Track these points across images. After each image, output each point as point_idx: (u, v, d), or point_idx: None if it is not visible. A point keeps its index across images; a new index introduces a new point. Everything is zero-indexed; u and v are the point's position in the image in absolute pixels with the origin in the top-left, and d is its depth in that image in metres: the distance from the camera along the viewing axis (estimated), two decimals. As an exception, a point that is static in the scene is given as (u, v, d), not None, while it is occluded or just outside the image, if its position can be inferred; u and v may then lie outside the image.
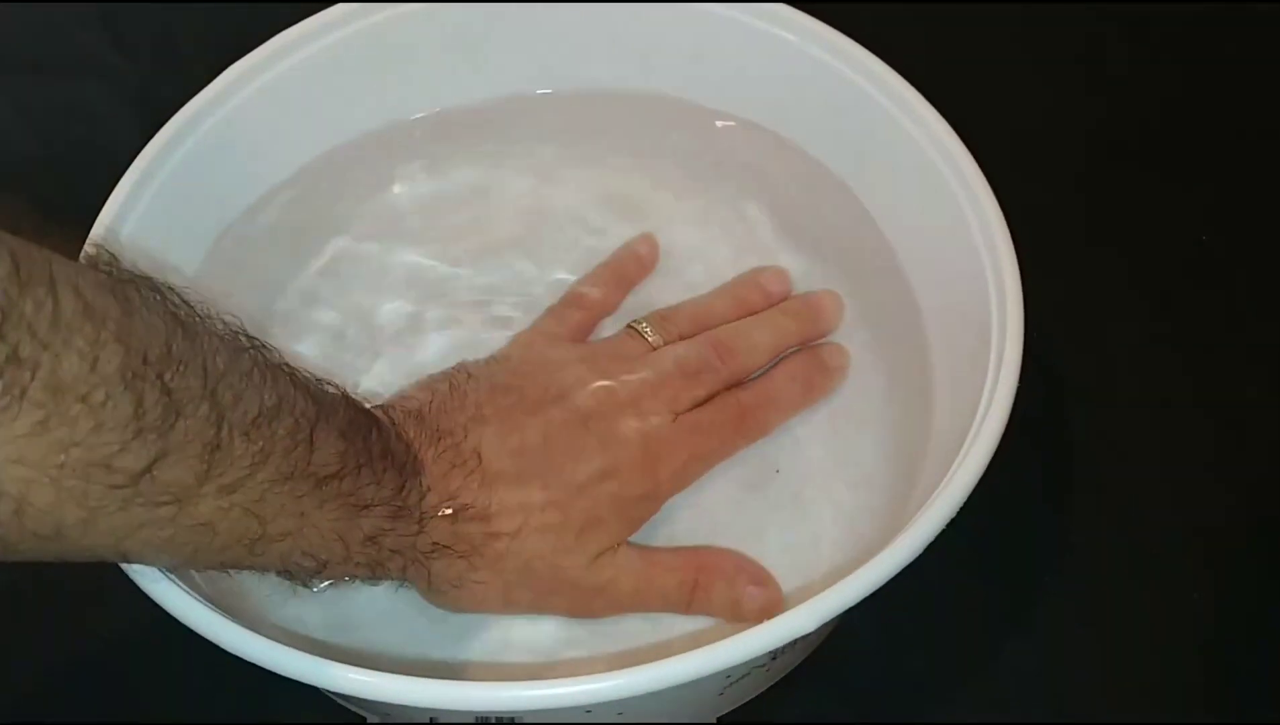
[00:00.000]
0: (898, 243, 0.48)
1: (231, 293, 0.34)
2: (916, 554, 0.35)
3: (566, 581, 0.40)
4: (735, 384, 0.46)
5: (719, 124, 0.52)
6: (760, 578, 0.42)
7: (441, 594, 0.40)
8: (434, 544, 0.37)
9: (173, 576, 0.35)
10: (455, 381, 0.43)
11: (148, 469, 0.28)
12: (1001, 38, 0.62)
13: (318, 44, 0.49)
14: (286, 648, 0.34)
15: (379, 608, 0.42)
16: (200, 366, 0.30)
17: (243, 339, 0.33)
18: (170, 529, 0.30)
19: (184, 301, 0.31)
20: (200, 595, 0.35)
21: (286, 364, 0.34)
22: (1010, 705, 0.45)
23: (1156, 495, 0.49)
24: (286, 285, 0.50)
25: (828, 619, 0.34)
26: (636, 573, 0.41)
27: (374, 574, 0.37)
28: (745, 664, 0.34)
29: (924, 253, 0.47)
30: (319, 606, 0.42)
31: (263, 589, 0.41)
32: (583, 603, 0.41)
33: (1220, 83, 0.60)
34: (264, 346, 0.33)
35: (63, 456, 0.26)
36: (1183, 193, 0.57)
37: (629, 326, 0.47)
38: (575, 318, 0.48)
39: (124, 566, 0.35)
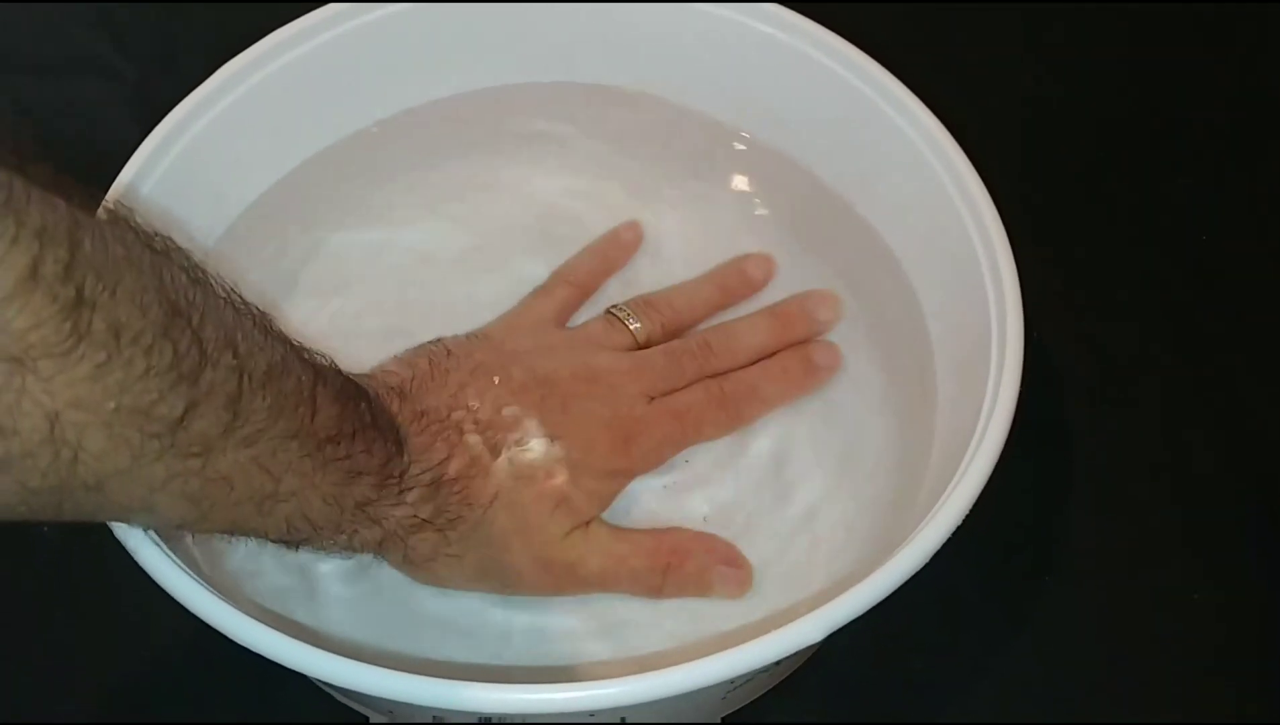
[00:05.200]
0: (895, 242, 0.48)
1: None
2: (924, 562, 0.35)
3: (535, 556, 0.41)
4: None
5: (714, 124, 0.52)
6: (732, 558, 0.43)
7: (415, 567, 0.41)
8: (413, 516, 0.38)
9: (183, 565, 0.35)
10: (434, 358, 0.43)
11: (182, 418, 0.28)
12: (1000, 36, 0.62)
13: (315, 40, 0.49)
14: (295, 640, 0.34)
15: (385, 604, 0.42)
16: (217, 319, 0.30)
17: (239, 301, 0.33)
18: (196, 482, 0.30)
19: (190, 260, 0.32)
20: (210, 585, 0.36)
21: (279, 328, 0.34)
22: (1010, 705, 0.45)
23: (1157, 494, 0.49)
24: (286, 280, 0.50)
25: (836, 628, 0.34)
26: (607, 551, 0.42)
27: (352, 544, 0.37)
28: (752, 671, 0.34)
29: (922, 252, 0.47)
30: (322, 601, 0.42)
31: (265, 584, 0.41)
32: (552, 579, 0.42)
33: (1221, 82, 0.60)
34: (259, 310, 0.34)
35: (114, 402, 0.27)
36: (1183, 192, 0.57)
37: (610, 312, 0.47)
38: (559, 301, 0.48)
39: (137, 556, 0.35)
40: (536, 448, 0.41)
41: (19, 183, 0.25)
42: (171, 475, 0.29)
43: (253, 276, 0.49)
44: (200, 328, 0.29)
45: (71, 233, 0.25)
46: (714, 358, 0.46)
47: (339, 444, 0.34)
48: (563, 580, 0.42)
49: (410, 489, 0.37)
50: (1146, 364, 0.52)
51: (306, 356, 0.35)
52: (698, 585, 0.42)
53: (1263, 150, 0.58)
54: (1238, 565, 0.47)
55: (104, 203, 0.31)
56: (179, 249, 0.31)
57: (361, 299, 0.50)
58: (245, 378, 0.30)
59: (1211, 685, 0.45)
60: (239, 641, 0.35)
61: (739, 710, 0.43)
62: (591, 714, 0.34)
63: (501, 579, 0.41)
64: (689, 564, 0.42)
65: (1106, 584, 0.47)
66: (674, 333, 0.47)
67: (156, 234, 0.31)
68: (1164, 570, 0.47)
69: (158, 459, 0.29)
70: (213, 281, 0.32)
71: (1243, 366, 0.52)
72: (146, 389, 0.27)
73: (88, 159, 0.49)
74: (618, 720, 0.36)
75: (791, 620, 0.34)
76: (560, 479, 0.41)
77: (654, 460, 0.44)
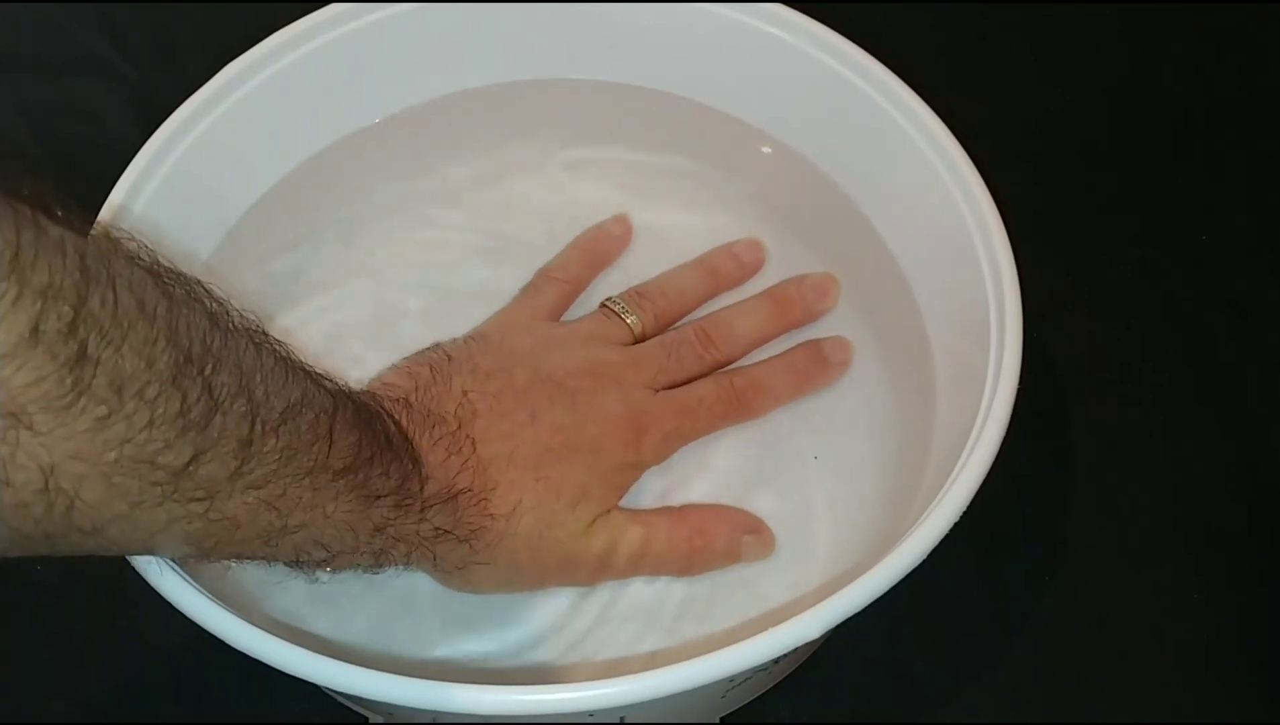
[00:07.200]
0: (895, 240, 0.48)
1: (232, 288, 0.34)
2: (920, 560, 0.35)
3: (565, 553, 0.41)
4: (722, 366, 0.47)
5: (714, 122, 0.52)
6: (753, 525, 0.43)
7: (448, 575, 0.41)
8: (436, 529, 0.38)
9: (180, 570, 0.35)
10: (435, 365, 0.43)
11: (187, 465, 0.28)
12: (1002, 37, 0.62)
13: (317, 41, 0.49)
14: (292, 645, 0.34)
15: (383, 605, 0.42)
16: (235, 363, 0.30)
17: (260, 336, 0.33)
18: (199, 524, 0.30)
19: (211, 295, 0.31)
20: (205, 590, 0.35)
21: (297, 357, 0.34)
22: (1010, 705, 0.45)
23: (1157, 494, 0.49)
24: (286, 279, 0.50)
25: (833, 625, 0.34)
26: (632, 537, 0.42)
27: (378, 562, 0.37)
28: (749, 669, 0.34)
29: (922, 250, 0.47)
30: (320, 602, 0.42)
31: (264, 585, 0.41)
32: (583, 571, 0.42)
33: (1220, 82, 0.60)
34: (278, 341, 0.33)
35: (115, 453, 0.26)
36: (1183, 192, 0.57)
37: (605, 305, 0.47)
38: (550, 297, 0.48)
39: (132, 561, 0.35)
40: (550, 448, 0.41)
41: (28, 235, 0.24)
42: (173, 519, 0.29)
43: (252, 278, 0.49)
44: (213, 374, 0.29)
45: (79, 288, 0.25)
46: (712, 346, 0.46)
47: (355, 473, 0.34)
48: (594, 571, 0.42)
49: (431, 506, 0.37)
50: (1147, 363, 0.52)
51: (328, 385, 0.34)
52: (726, 559, 0.43)
53: (1263, 150, 0.58)
54: (1238, 565, 0.47)
55: (125, 241, 0.30)
56: (198, 284, 0.31)
57: (361, 301, 0.50)
58: (258, 423, 0.30)
59: (1211, 685, 0.45)
60: (234, 645, 0.35)
61: (738, 710, 0.43)
62: (591, 714, 0.34)
63: (533, 579, 0.42)
64: (716, 542, 0.43)
65: (1106, 584, 0.47)
66: (668, 321, 0.48)
67: (180, 275, 0.30)
68: (1164, 570, 0.47)
69: (159, 505, 0.28)
70: (235, 321, 0.32)
71: (1243, 365, 0.52)
72: (151, 439, 0.27)
73: (88, 159, 0.50)
74: (617, 720, 0.36)
75: (789, 618, 0.34)
76: (578, 475, 0.41)
77: (663, 453, 0.44)
